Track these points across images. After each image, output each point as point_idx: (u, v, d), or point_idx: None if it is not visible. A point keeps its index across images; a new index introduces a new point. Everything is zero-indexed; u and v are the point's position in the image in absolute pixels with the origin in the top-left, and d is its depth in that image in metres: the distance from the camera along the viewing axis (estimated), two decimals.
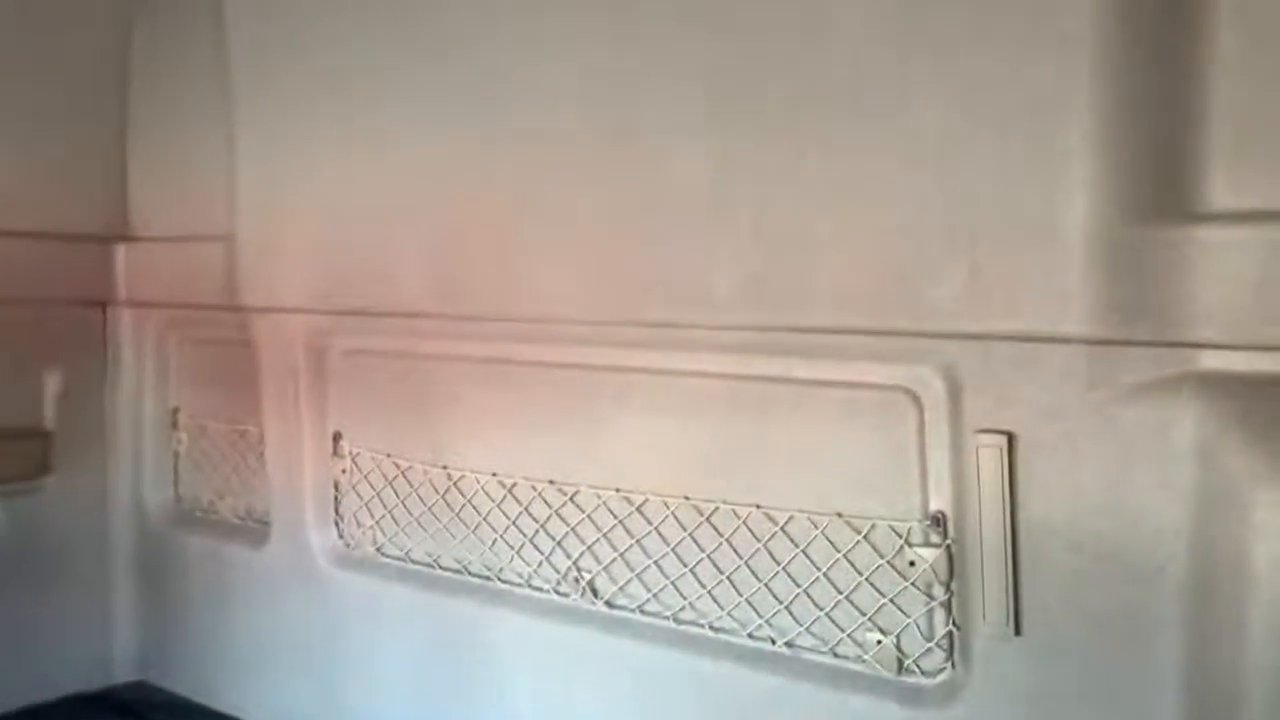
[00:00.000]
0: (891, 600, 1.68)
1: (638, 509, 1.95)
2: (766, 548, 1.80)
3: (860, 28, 1.58)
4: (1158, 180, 1.40)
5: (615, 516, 1.99)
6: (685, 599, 1.90)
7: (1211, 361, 1.36)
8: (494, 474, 2.16)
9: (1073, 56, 1.41)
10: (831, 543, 1.73)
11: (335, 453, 2.44)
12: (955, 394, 1.58)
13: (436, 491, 2.26)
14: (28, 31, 2.58)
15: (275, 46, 2.40)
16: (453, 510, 2.24)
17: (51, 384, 2.74)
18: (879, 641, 1.70)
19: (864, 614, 1.71)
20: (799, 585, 1.77)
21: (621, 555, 1.98)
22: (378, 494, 2.38)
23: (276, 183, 2.43)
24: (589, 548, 2.03)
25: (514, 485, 2.13)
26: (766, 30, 1.68)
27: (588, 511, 2.02)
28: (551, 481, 2.07)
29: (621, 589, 1.99)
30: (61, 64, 2.66)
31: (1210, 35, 1.38)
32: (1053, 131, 1.43)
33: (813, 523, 1.74)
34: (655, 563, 1.93)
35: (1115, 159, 1.40)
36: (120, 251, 2.80)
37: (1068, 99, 1.42)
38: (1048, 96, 1.43)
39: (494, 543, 2.17)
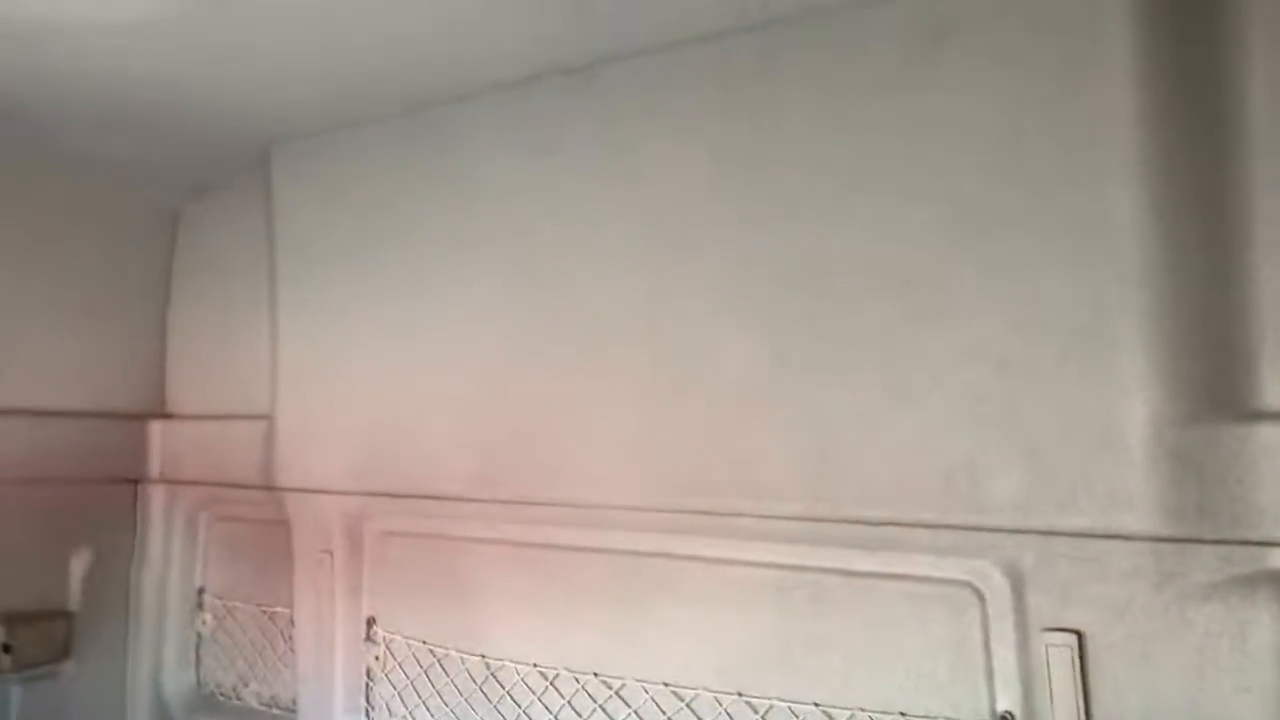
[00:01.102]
0: None
1: (688, 705, 1.89)
2: None
3: (918, 231, 1.64)
4: (1214, 381, 1.42)
5: (664, 712, 1.92)
6: None
7: None
8: (535, 664, 2.10)
9: (1124, 264, 1.45)
10: None
11: (368, 638, 2.38)
12: (1019, 590, 1.56)
13: (474, 681, 2.20)
14: (76, 221, 2.67)
15: (317, 233, 2.48)
16: (490, 701, 2.17)
17: (78, 563, 2.70)
18: None
19: None
20: None
21: None
22: (411, 682, 2.31)
23: (317, 364, 2.47)
24: None
25: (556, 676, 2.07)
26: (824, 227, 1.74)
27: (635, 706, 1.96)
28: (595, 674, 2.01)
29: None
30: (108, 252, 2.75)
31: (1256, 234, 1.43)
32: (1107, 334, 1.46)
33: None
34: None
35: (1170, 361, 1.43)
36: (155, 429, 2.82)
37: (1120, 304, 1.45)
38: (1101, 301, 1.47)
39: None
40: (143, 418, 2.82)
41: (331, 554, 2.41)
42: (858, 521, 1.68)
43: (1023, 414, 1.52)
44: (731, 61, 1.83)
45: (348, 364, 2.39)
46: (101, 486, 2.77)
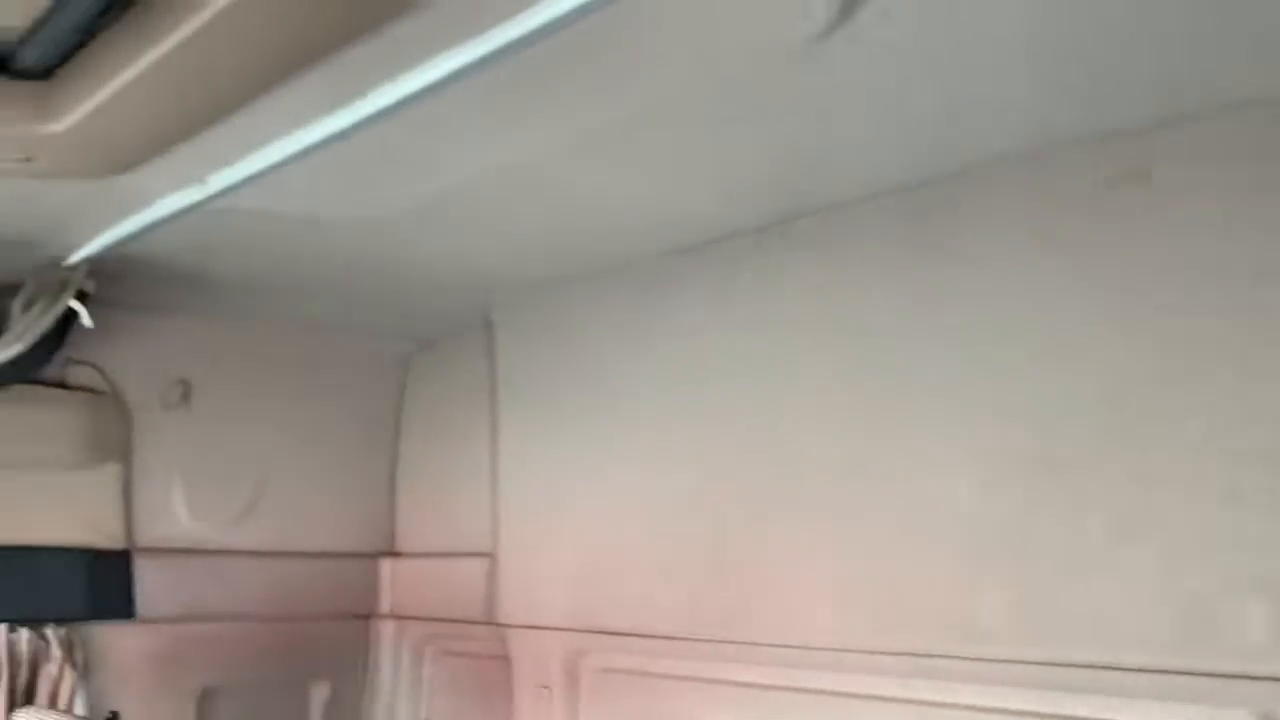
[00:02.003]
0: None
1: None
2: None
3: (1133, 367, 1.62)
4: None
5: None
6: None
7: None
8: None
9: None
10: None
11: None
12: None
13: None
14: (317, 376, 2.97)
15: (535, 379, 2.67)
16: None
17: (317, 695, 2.91)
18: None
19: None
20: None
21: None
22: None
23: (535, 504, 2.62)
24: None
25: None
26: (1028, 364, 1.75)
27: None
28: None
29: None
30: (345, 402, 3.04)
31: None
32: None
33: None
34: None
35: None
36: (386, 567, 3.04)
37: None
38: None
39: None
40: (374, 556, 3.05)
41: (550, 690, 2.50)
42: (1081, 665, 1.62)
43: (1263, 550, 1.45)
44: (922, 209, 1.90)
45: (564, 503, 2.53)
46: (338, 622, 2.99)
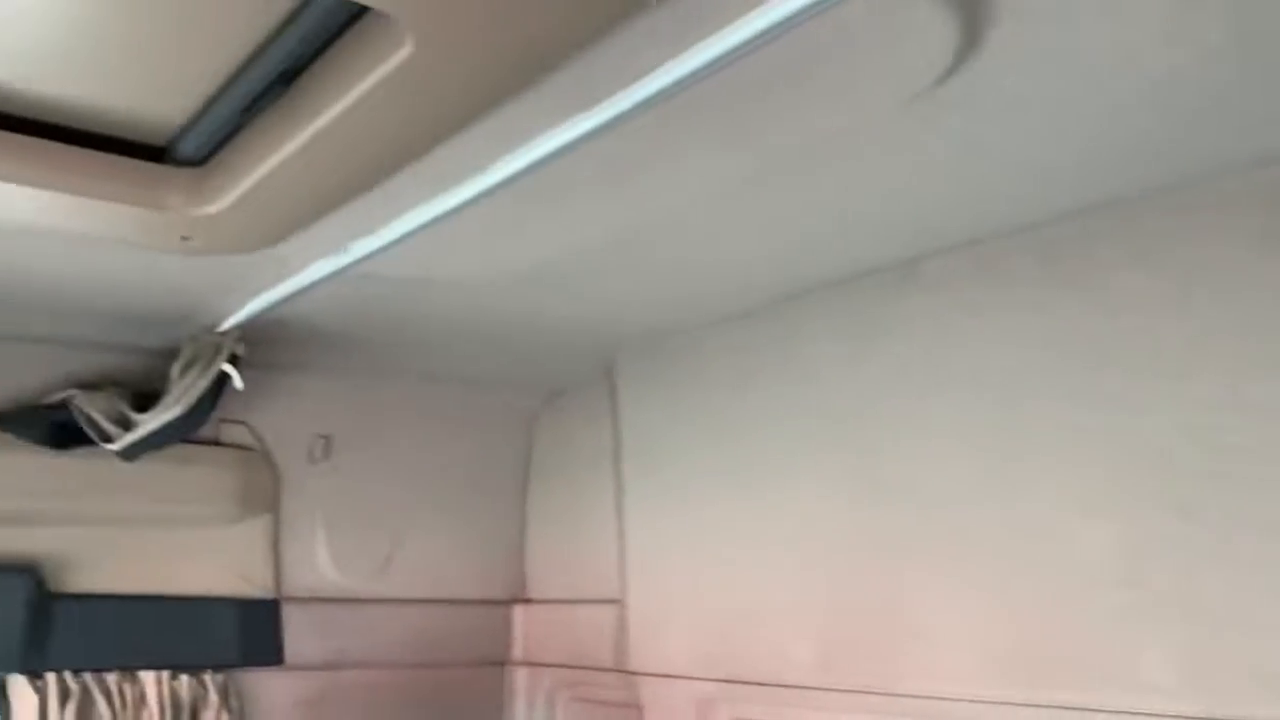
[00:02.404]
0: None
1: None
2: None
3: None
4: None
5: None
6: None
7: None
8: None
9: None
10: None
11: None
12: None
13: None
14: (447, 428, 3.06)
15: (660, 428, 2.69)
16: None
17: None
18: None
19: None
20: None
21: None
22: None
23: (663, 551, 2.63)
24: None
25: None
26: (1178, 403, 1.67)
27: None
28: None
29: None
30: (475, 453, 3.11)
31: None
32: None
33: None
34: None
35: None
36: (519, 613, 3.09)
37: None
38: None
39: None
40: (507, 603, 3.10)
41: None
42: None
43: None
44: (1057, 245, 1.85)
45: (693, 550, 2.53)
46: (474, 669, 3.05)
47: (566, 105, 1.34)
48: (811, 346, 2.30)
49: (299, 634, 2.72)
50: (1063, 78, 1.34)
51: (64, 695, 2.31)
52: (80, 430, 2.30)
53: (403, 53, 1.10)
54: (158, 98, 1.35)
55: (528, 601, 3.11)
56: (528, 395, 3.14)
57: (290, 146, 1.33)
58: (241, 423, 2.70)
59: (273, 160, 1.38)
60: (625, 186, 1.64)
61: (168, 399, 2.26)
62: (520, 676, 3.05)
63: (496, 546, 3.14)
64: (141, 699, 2.42)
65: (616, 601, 2.73)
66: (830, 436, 2.24)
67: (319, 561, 2.80)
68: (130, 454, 2.30)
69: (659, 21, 1.14)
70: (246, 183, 1.43)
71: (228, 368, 2.28)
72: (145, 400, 2.36)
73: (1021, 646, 1.83)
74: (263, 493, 2.70)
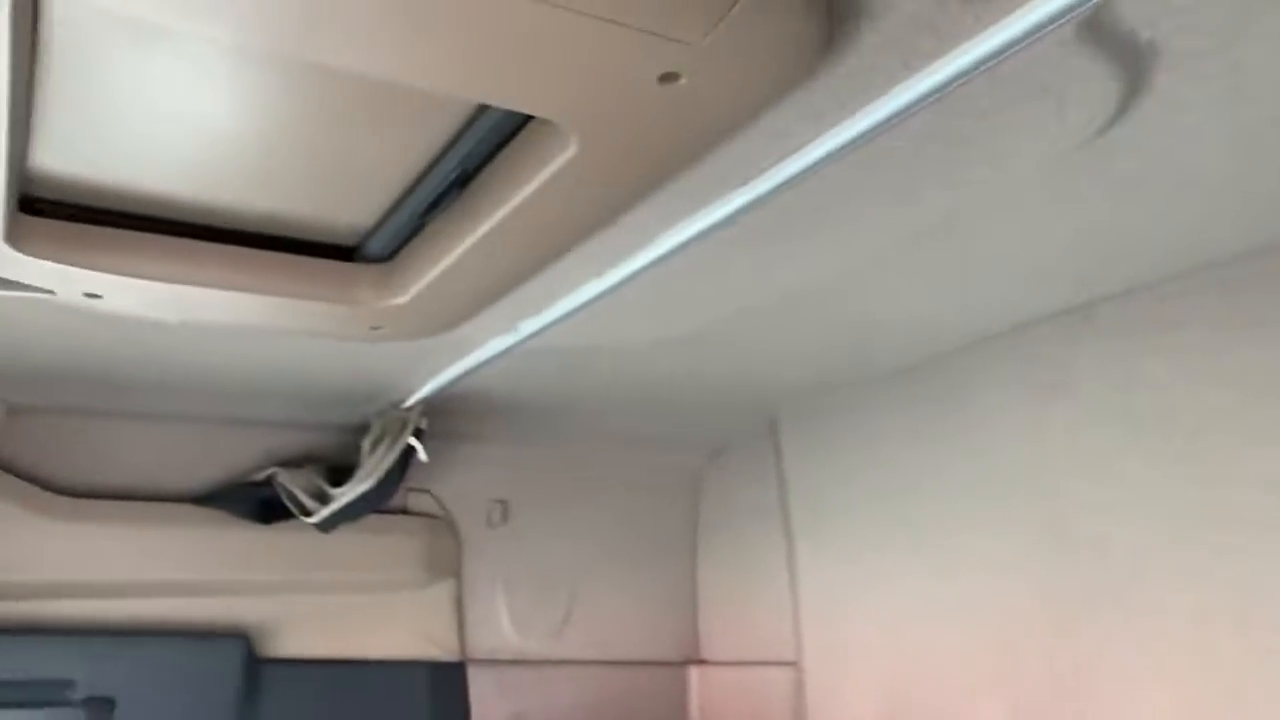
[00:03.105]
0: None
1: None
2: None
3: None
4: None
5: None
6: None
7: None
8: None
9: None
10: None
11: None
12: None
13: None
14: (614, 488, 3.11)
15: (828, 484, 2.67)
16: None
17: None
18: None
19: None
20: None
21: None
22: None
23: (839, 610, 2.59)
24: None
25: None
26: None
27: None
28: None
29: None
30: (642, 512, 3.16)
31: None
32: None
33: None
34: None
35: None
36: (694, 675, 3.09)
37: None
38: None
39: None
40: (682, 665, 3.11)
41: None
42: None
43: None
44: (1236, 286, 1.75)
45: (869, 609, 2.48)
46: None
47: (728, 178, 1.37)
48: (985, 397, 2.24)
49: (483, 695, 2.81)
50: (1228, 118, 1.29)
51: None
52: (283, 505, 2.48)
53: (568, 153, 1.17)
54: (350, 205, 1.48)
55: (702, 663, 3.11)
56: (692, 453, 3.18)
57: (467, 242, 1.43)
58: (426, 491, 2.84)
59: (451, 255, 1.47)
60: (789, 250, 1.66)
61: (360, 473, 2.41)
62: None
63: (669, 606, 3.16)
64: None
65: (792, 664, 2.70)
66: (1010, 489, 2.17)
67: (500, 624, 2.89)
68: (327, 526, 2.47)
69: (815, 94, 1.16)
70: (428, 276, 1.54)
71: (413, 441, 2.42)
72: (339, 474, 2.53)
73: (1225, 714, 1.70)
74: (447, 558, 2.83)
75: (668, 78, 1.01)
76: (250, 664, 2.50)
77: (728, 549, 3.10)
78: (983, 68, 1.11)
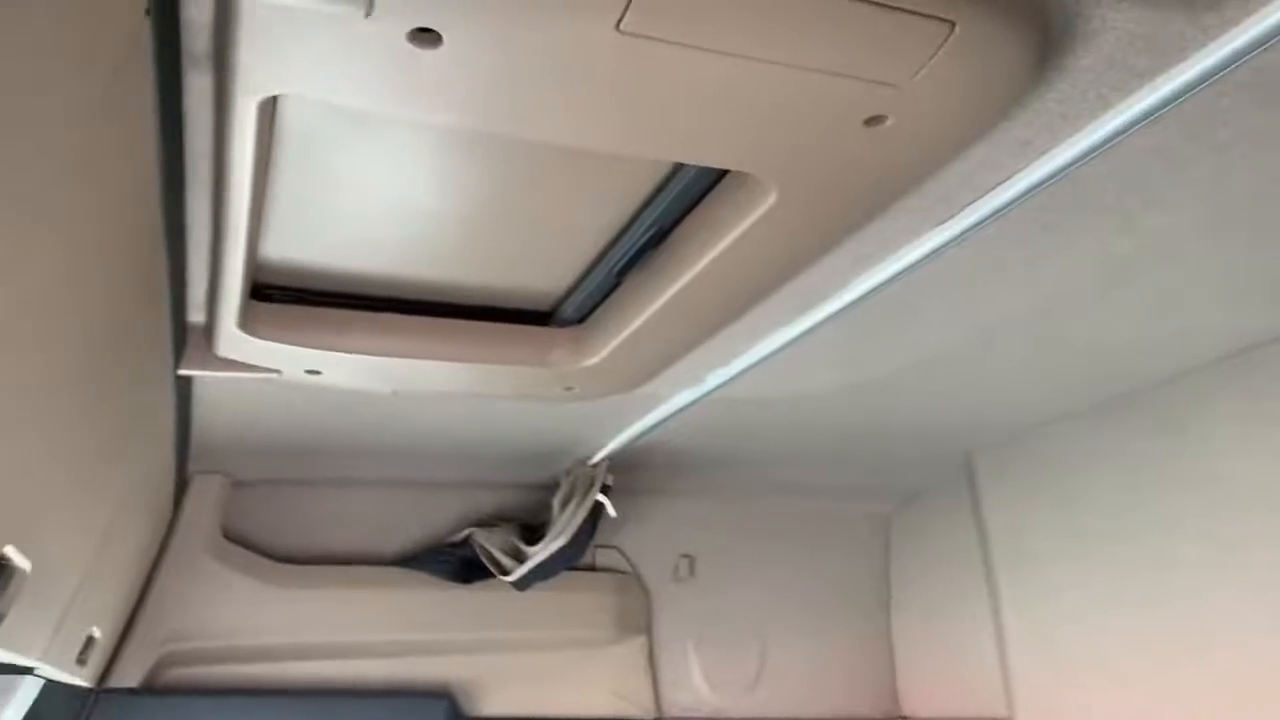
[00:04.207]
0: None
1: None
2: None
3: None
4: None
5: None
6: None
7: None
8: None
9: None
10: None
11: None
12: None
13: None
14: (800, 539, 3.05)
15: (1030, 527, 2.52)
16: None
17: None
18: None
19: None
20: None
21: None
22: None
23: (1053, 663, 2.43)
24: None
25: None
26: None
27: None
28: None
29: None
30: (829, 563, 3.07)
31: None
32: None
33: None
34: None
35: None
36: None
37: None
38: None
39: None
40: None
41: None
42: None
43: None
44: None
45: (1086, 662, 2.32)
46: None
47: (929, 215, 1.34)
48: (1206, 426, 2.07)
49: None
50: None
51: None
52: (481, 564, 2.54)
53: (768, 202, 1.16)
54: (546, 271, 1.52)
55: (904, 719, 2.98)
56: (881, 501, 3.08)
57: (661, 298, 1.44)
58: (613, 547, 2.86)
59: (645, 312, 1.49)
60: (988, 287, 1.60)
61: (553, 530, 2.45)
62: None
63: (864, 660, 3.05)
64: None
65: (1004, 719, 2.55)
66: (1240, 523, 1.99)
67: (693, 680, 2.86)
68: (524, 584, 2.51)
69: (1023, 123, 1.12)
70: (621, 335, 1.56)
71: (601, 497, 2.44)
72: (531, 532, 2.58)
73: None
74: (637, 614, 2.83)
75: (874, 120, 0.99)
76: None
77: (924, 599, 2.98)
78: (1206, 83, 1.04)
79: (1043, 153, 1.18)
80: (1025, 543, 2.55)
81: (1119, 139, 1.14)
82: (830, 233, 1.28)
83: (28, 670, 1.42)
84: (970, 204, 1.29)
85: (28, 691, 1.42)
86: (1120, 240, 1.44)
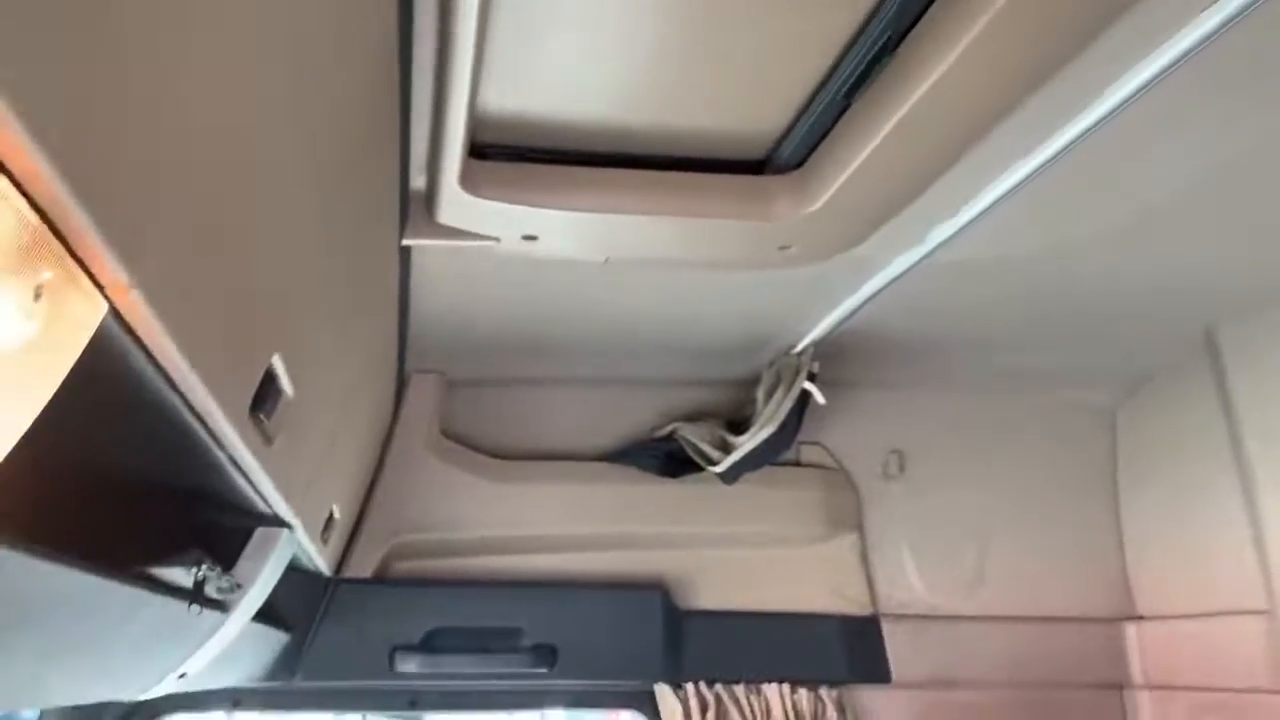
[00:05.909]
0: None
1: None
2: None
3: None
4: None
5: None
6: None
7: None
8: None
9: None
10: None
11: None
12: None
13: None
14: (1016, 435, 2.88)
15: None
16: None
17: None
18: None
19: None
20: None
21: None
22: None
23: None
24: None
25: None
26: None
27: None
28: None
29: None
30: (1049, 459, 2.89)
31: None
32: None
33: None
34: None
35: None
36: (1131, 631, 2.78)
37: None
38: None
39: None
40: (1115, 620, 2.81)
41: None
42: None
43: None
44: None
45: None
46: (1086, 691, 2.78)
47: (1135, 48, 1.20)
48: None
49: (898, 651, 2.69)
50: None
51: (703, 705, 2.51)
52: (687, 457, 2.53)
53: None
54: (761, 109, 1.45)
55: (1140, 618, 2.79)
56: (1108, 389, 2.87)
57: (876, 138, 1.35)
58: (817, 443, 2.79)
59: (862, 154, 1.40)
60: (1222, 118, 1.43)
61: (760, 419, 2.40)
62: (1145, 701, 2.73)
63: (1092, 558, 2.87)
64: (767, 711, 2.54)
65: (1264, 612, 2.34)
66: None
67: (909, 579, 2.77)
68: (731, 475, 2.48)
69: None
70: (846, 173, 1.47)
71: (809, 385, 2.37)
72: (735, 427, 2.54)
73: None
74: (846, 511, 2.76)
75: None
76: (670, 615, 2.57)
77: (1159, 490, 2.76)
78: None
79: None
80: None
81: None
82: (1073, 31, 1.16)
83: (286, 525, 1.49)
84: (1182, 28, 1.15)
85: (285, 548, 1.49)
86: None
